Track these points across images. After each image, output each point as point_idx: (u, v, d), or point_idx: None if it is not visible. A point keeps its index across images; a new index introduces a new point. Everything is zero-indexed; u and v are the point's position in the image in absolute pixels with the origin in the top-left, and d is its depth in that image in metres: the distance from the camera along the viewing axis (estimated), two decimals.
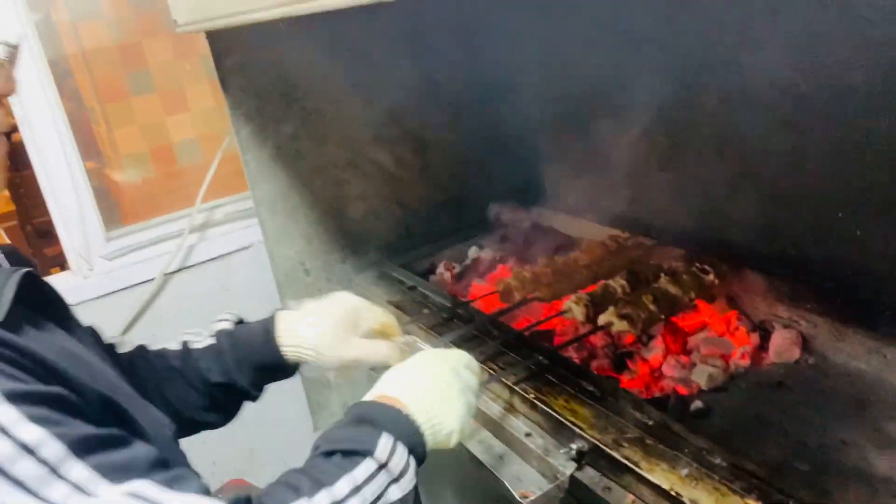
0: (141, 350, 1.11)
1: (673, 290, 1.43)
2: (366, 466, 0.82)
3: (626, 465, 1.01)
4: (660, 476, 0.97)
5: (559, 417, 1.13)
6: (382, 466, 0.83)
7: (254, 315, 1.29)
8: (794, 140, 1.34)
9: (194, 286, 1.96)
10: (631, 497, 1.00)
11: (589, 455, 1.07)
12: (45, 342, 0.74)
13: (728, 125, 1.47)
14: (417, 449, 0.88)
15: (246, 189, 2.03)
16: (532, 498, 1.05)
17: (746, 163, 1.47)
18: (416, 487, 0.87)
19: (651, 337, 1.46)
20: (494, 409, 1.26)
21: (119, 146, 2.02)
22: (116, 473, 0.66)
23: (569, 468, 1.07)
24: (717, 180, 1.53)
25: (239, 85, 1.65)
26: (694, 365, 1.36)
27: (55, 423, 0.65)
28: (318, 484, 0.79)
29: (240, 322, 1.17)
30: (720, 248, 1.52)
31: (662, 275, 1.47)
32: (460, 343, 1.39)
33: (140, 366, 1.07)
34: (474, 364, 1.03)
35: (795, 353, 1.35)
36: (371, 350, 1.10)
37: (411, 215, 1.97)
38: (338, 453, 0.83)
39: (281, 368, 1.12)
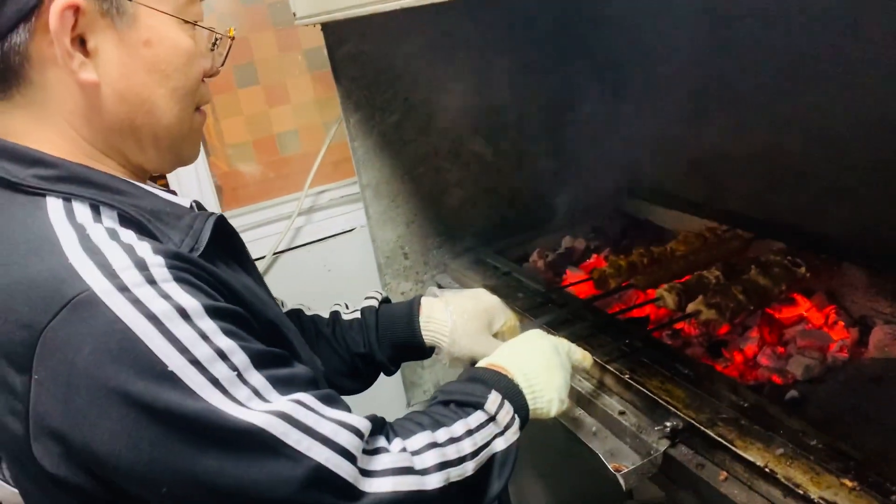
0: (298, 311, 1.24)
1: (762, 281, 1.44)
2: (477, 416, 0.93)
3: (720, 443, 1.04)
4: (754, 454, 0.99)
5: (654, 397, 1.16)
6: (491, 419, 0.94)
7: (354, 293, 1.40)
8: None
9: (301, 265, 2.08)
10: (724, 474, 1.03)
11: (683, 433, 1.11)
12: (230, 275, 0.85)
13: (831, 119, 1.47)
14: (521, 411, 0.99)
15: (348, 176, 2.15)
16: (625, 471, 1.09)
17: (850, 159, 1.46)
18: (518, 445, 0.96)
19: (747, 328, 1.46)
20: (587, 386, 1.30)
21: (225, 136, 2.14)
22: (283, 385, 0.76)
23: (662, 445, 1.11)
24: (820, 175, 1.52)
25: (350, 75, 1.75)
26: (790, 356, 1.36)
27: (241, 337, 0.75)
28: (438, 423, 0.90)
29: (385, 301, 1.31)
30: (822, 242, 1.51)
31: (753, 266, 1.48)
32: (554, 325, 1.44)
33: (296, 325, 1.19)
34: (575, 349, 1.17)
35: None
36: (493, 348, 1.17)
37: (506, 204, 2.03)
38: (453, 402, 0.95)
39: (417, 349, 1.24)
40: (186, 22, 0.85)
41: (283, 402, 0.74)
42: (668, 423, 1.11)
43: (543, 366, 1.05)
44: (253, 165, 2.15)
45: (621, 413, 1.20)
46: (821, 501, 0.89)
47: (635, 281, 1.53)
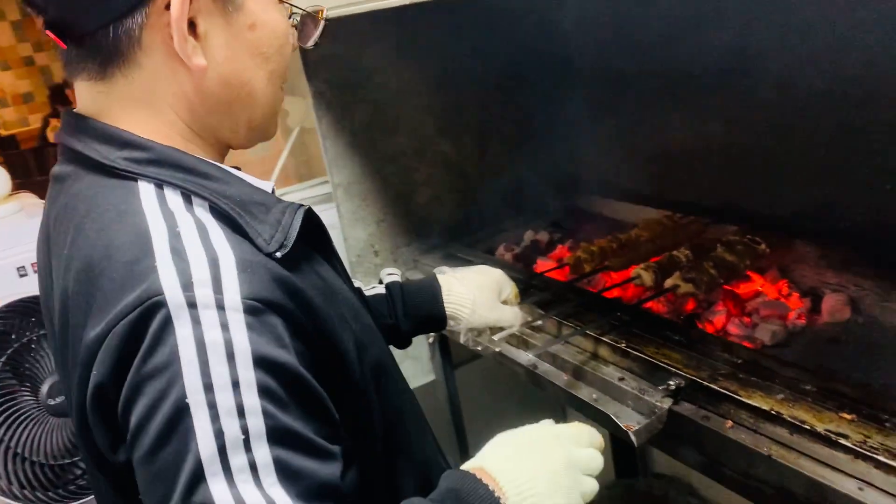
0: None
1: (729, 258, 1.58)
2: None
3: (723, 395, 1.14)
4: (758, 400, 1.10)
5: (653, 360, 1.26)
6: None
7: None
8: (839, 117, 1.50)
9: None
10: (730, 423, 1.13)
11: (685, 391, 1.21)
12: (312, 275, 0.83)
13: (775, 104, 1.63)
14: None
15: (311, 178, 2.18)
16: (636, 428, 1.18)
17: (793, 144, 1.62)
18: None
19: (712, 303, 1.60)
20: (580, 358, 1.39)
21: None
22: (286, 477, 0.68)
23: (666, 403, 1.20)
24: (766, 161, 1.68)
25: (322, 77, 1.79)
26: (756, 325, 1.50)
27: (275, 401, 0.69)
28: None
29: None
30: (772, 223, 1.67)
31: (719, 245, 1.62)
32: (541, 306, 1.52)
33: None
34: (597, 439, 0.91)
35: (846, 314, 1.49)
36: (505, 314, 1.30)
37: (470, 202, 2.11)
38: None
39: (438, 321, 1.29)
40: (282, 2, 0.87)
41: (260, 498, 0.66)
42: (671, 382, 1.21)
43: (547, 487, 0.81)
44: None
45: (620, 379, 1.29)
46: (827, 433, 1.00)
47: (610, 263, 1.64)
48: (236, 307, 0.69)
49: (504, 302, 1.35)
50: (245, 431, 0.67)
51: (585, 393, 1.32)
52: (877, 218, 1.50)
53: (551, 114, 2.11)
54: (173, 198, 0.77)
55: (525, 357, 1.42)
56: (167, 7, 0.75)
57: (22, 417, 1.63)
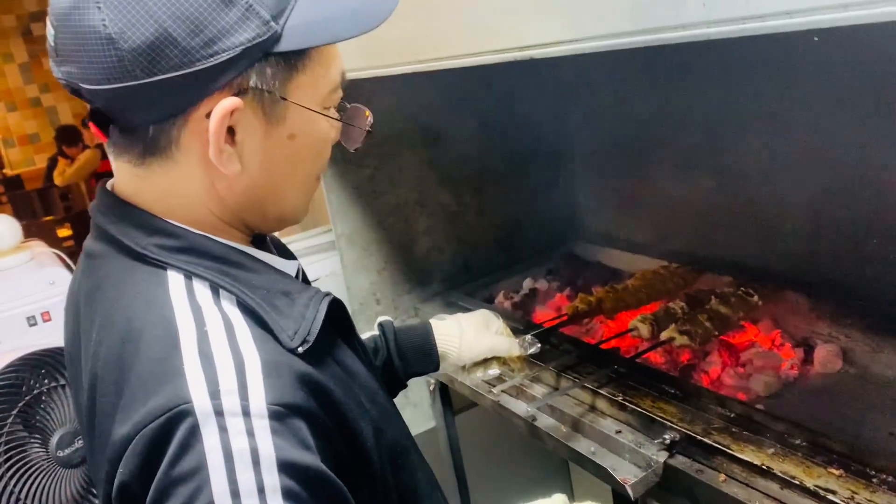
0: None
1: (723, 310, 1.62)
2: None
3: (716, 448, 1.18)
4: (750, 455, 1.14)
5: (649, 414, 1.30)
6: None
7: None
8: (826, 175, 1.56)
9: None
10: (723, 476, 1.16)
11: (679, 444, 1.24)
12: (333, 365, 0.84)
13: (764, 163, 1.69)
14: None
15: (314, 227, 2.23)
16: (632, 482, 1.21)
17: (783, 199, 1.68)
18: None
19: (707, 353, 1.63)
20: (579, 410, 1.42)
21: None
22: None
23: (661, 456, 1.23)
24: (757, 214, 1.74)
25: None
26: (750, 375, 1.54)
27: (301, 501, 0.70)
28: None
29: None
30: (764, 275, 1.72)
31: (713, 297, 1.66)
32: (538, 357, 1.56)
33: None
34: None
35: (838, 364, 1.53)
36: (498, 342, 1.32)
37: (469, 251, 2.16)
38: None
39: (430, 356, 1.31)
40: (328, 115, 0.86)
41: None
42: (666, 436, 1.24)
43: None
44: None
45: (618, 432, 1.32)
46: (816, 489, 1.04)
47: (606, 314, 1.68)
48: (261, 414, 0.70)
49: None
50: None
51: (584, 446, 1.35)
52: (864, 270, 1.54)
53: (549, 165, 2.17)
54: (202, 290, 0.78)
55: (524, 409, 1.45)
56: (207, 115, 0.76)
57: (32, 469, 1.65)
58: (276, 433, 0.70)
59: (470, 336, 1.30)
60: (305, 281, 0.97)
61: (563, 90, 2.10)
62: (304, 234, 2.23)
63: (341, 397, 0.80)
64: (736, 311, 1.59)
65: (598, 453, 1.33)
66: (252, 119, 0.79)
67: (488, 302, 2.04)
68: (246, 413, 0.70)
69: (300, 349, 0.77)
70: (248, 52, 0.74)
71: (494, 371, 1.35)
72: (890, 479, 1.04)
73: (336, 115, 0.88)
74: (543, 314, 1.87)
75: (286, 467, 0.70)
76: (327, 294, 0.86)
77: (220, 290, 0.79)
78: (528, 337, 1.37)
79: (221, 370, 0.72)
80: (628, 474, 1.24)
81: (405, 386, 1.34)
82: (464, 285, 2.09)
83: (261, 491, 0.68)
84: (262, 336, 0.77)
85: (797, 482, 1.06)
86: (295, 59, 0.79)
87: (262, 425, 0.70)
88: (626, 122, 1.97)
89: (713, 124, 1.74)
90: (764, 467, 1.11)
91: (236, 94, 0.76)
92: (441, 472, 2.14)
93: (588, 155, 2.16)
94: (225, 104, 0.74)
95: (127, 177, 0.84)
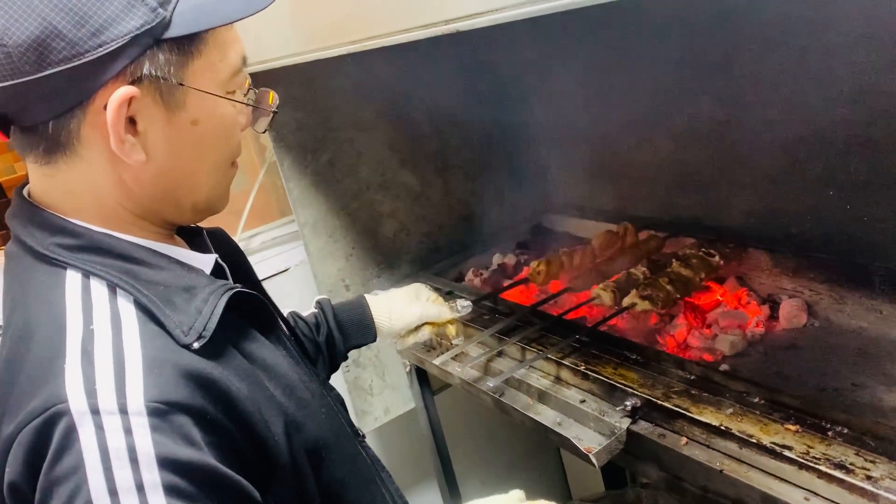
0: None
1: (685, 272, 1.61)
2: None
3: (677, 412, 1.18)
4: (709, 416, 1.14)
5: (611, 382, 1.29)
6: None
7: None
8: (783, 130, 1.55)
9: None
10: (684, 439, 1.16)
11: (641, 410, 1.24)
12: (237, 359, 0.82)
13: (722, 124, 1.67)
14: None
15: (277, 218, 2.21)
16: (596, 450, 1.21)
17: (742, 157, 1.66)
18: None
19: (673, 316, 1.63)
20: (544, 383, 1.42)
21: None
22: None
23: (624, 423, 1.23)
24: (717, 175, 1.73)
25: (281, 120, 1.82)
26: (716, 336, 1.53)
27: (186, 497, 0.70)
28: None
29: None
30: (727, 234, 1.71)
31: (674, 260, 1.66)
32: (505, 332, 1.56)
33: None
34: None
35: (803, 319, 1.53)
36: (428, 308, 1.40)
37: (437, 230, 2.14)
38: None
39: (369, 330, 1.37)
40: (230, 99, 0.85)
41: None
42: (627, 403, 1.24)
43: None
44: None
45: (582, 401, 1.32)
46: (773, 445, 1.03)
47: (572, 285, 1.67)
48: (139, 411, 0.70)
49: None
50: None
51: (549, 417, 1.35)
52: (826, 224, 1.53)
53: (512, 139, 2.15)
54: (98, 288, 0.78)
55: (489, 384, 1.45)
56: (105, 107, 0.75)
57: None
58: (156, 430, 0.70)
59: (400, 306, 1.37)
60: (222, 275, 0.95)
61: (519, 62, 2.08)
62: (269, 226, 2.21)
63: (243, 392, 0.79)
64: (698, 272, 1.58)
65: (563, 424, 1.33)
66: (152, 107, 0.78)
67: (458, 280, 2.03)
68: (123, 411, 0.69)
69: (195, 345, 0.76)
70: (137, 39, 0.74)
71: (424, 335, 1.41)
72: (845, 431, 1.04)
73: (239, 99, 0.87)
74: (512, 289, 1.86)
75: (167, 464, 0.69)
76: (231, 287, 0.85)
77: (118, 289, 0.78)
78: (460, 301, 1.44)
79: (100, 368, 0.71)
80: (592, 443, 1.24)
81: (346, 358, 1.39)
82: (433, 265, 2.08)
83: (139, 488, 0.68)
84: (154, 333, 0.76)
85: (754, 440, 1.06)
86: (188, 45, 0.78)
87: (141, 423, 0.69)
88: (585, 91, 1.95)
89: (668, 86, 1.72)
90: (722, 428, 1.11)
91: (132, 83, 0.75)
92: (424, 452, 2.15)
93: (550, 126, 2.14)
94: (119, 93, 0.74)
95: (35, 177, 0.83)
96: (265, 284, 2.08)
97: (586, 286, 1.68)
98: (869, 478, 0.94)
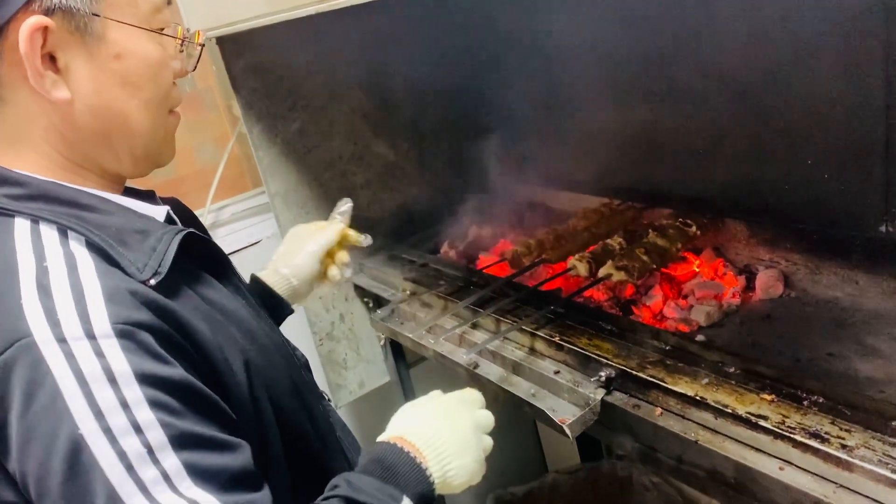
0: None
1: (661, 242, 1.59)
2: None
3: (651, 383, 1.16)
4: (684, 387, 1.12)
5: (586, 352, 1.27)
6: None
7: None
8: (759, 98, 1.52)
9: None
10: (659, 410, 1.14)
11: (616, 381, 1.22)
12: (194, 298, 0.83)
13: (698, 93, 1.65)
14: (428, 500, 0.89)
15: (247, 189, 2.16)
16: (570, 422, 1.19)
17: (718, 127, 1.64)
18: None
19: (650, 287, 1.61)
20: (519, 354, 1.40)
21: None
22: (200, 477, 0.71)
23: (599, 394, 1.21)
24: (694, 144, 1.70)
25: (249, 86, 1.77)
26: (692, 307, 1.52)
27: (170, 411, 0.71)
28: None
29: None
30: (704, 205, 1.69)
31: (651, 231, 1.64)
32: (480, 304, 1.53)
33: None
34: (488, 415, 1.02)
35: (779, 289, 1.52)
36: (321, 237, 1.32)
37: (411, 202, 2.11)
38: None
39: (282, 306, 1.28)
40: (153, 31, 0.85)
41: (180, 501, 0.69)
42: (601, 374, 1.22)
43: (460, 446, 0.93)
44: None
45: (556, 373, 1.30)
46: (748, 416, 1.02)
47: (547, 256, 1.65)
48: (107, 334, 0.70)
49: (334, 248, 1.36)
50: (147, 446, 0.69)
51: (524, 389, 1.33)
52: (800, 193, 1.52)
53: (487, 108, 2.11)
54: (49, 232, 0.77)
55: (464, 357, 1.42)
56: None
57: None
58: (127, 350, 0.70)
59: (294, 259, 1.29)
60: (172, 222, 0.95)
61: (496, 27, 2.03)
62: (239, 197, 2.16)
63: (201, 327, 0.79)
64: (674, 242, 1.56)
65: (538, 395, 1.31)
66: (69, 40, 0.77)
67: (433, 253, 2.00)
68: (91, 336, 0.70)
69: (151, 281, 0.76)
70: None
71: (336, 271, 1.32)
72: (821, 400, 1.02)
73: (158, 31, 0.86)
74: (488, 260, 1.84)
75: (146, 379, 0.70)
76: (183, 229, 0.85)
77: (69, 232, 0.77)
78: (338, 208, 1.39)
79: (59, 300, 0.71)
80: (566, 414, 1.22)
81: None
82: (408, 238, 2.04)
83: (125, 405, 0.68)
84: (109, 270, 0.76)
85: (730, 410, 1.04)
86: None
87: (111, 344, 0.70)
88: (560, 59, 1.91)
89: (645, 53, 1.68)
90: (698, 398, 1.09)
91: (44, 14, 0.74)
92: None
93: (527, 96, 2.10)
94: (29, 23, 0.73)
95: None
96: (235, 258, 2.06)
97: (561, 257, 1.66)
98: (844, 447, 0.93)
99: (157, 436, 0.69)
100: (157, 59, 0.85)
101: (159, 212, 0.91)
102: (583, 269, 1.55)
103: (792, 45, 1.41)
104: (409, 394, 2.09)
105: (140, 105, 0.84)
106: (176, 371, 0.73)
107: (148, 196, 0.97)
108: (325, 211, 1.94)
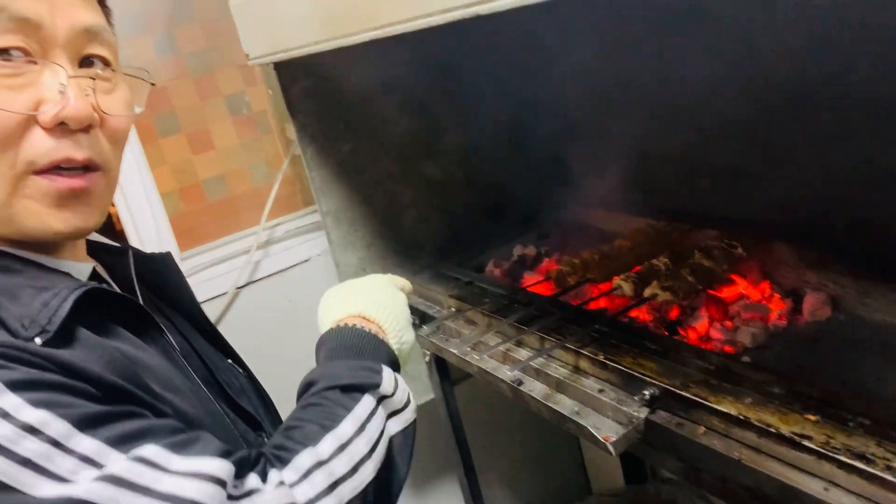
0: None
1: (707, 263, 1.60)
2: (367, 402, 0.82)
3: (695, 402, 1.16)
4: (727, 406, 1.12)
5: (630, 371, 1.29)
6: (384, 398, 0.85)
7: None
8: (810, 120, 1.52)
9: (262, 298, 2.13)
10: (702, 429, 1.15)
11: (660, 400, 1.23)
12: (99, 350, 0.73)
13: (743, 114, 1.65)
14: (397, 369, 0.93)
15: (298, 208, 2.24)
16: (613, 439, 1.21)
17: (764, 148, 1.65)
18: (414, 418, 0.93)
19: (695, 308, 1.62)
20: (563, 372, 1.42)
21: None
22: (128, 442, 0.64)
23: (643, 412, 1.23)
24: (741, 166, 1.71)
25: (304, 110, 1.84)
26: (737, 328, 1.52)
27: (60, 404, 0.64)
28: (322, 429, 0.78)
29: None
30: (751, 226, 1.69)
31: (697, 251, 1.64)
32: (524, 322, 1.56)
33: None
34: (398, 278, 1.16)
35: (827, 312, 1.51)
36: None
37: (457, 221, 2.15)
38: (338, 388, 0.83)
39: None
40: None
41: (119, 464, 0.62)
42: (646, 392, 1.23)
43: (406, 317, 1.03)
44: (180, 211, 2.15)
45: (600, 391, 1.32)
46: (791, 435, 1.02)
47: (591, 275, 1.66)
48: None
49: None
50: (52, 441, 0.62)
51: (568, 406, 1.35)
52: (851, 216, 1.51)
53: (536, 128, 2.14)
54: None
55: (508, 373, 1.44)
56: None
57: None
58: None
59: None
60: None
61: (544, 50, 2.07)
62: (292, 216, 2.23)
63: (96, 368, 0.69)
64: (720, 264, 1.57)
65: (581, 413, 1.32)
66: None
67: (478, 271, 2.03)
68: None
69: (37, 339, 0.68)
70: None
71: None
72: (867, 422, 1.02)
73: None
74: (532, 279, 1.86)
75: (19, 385, 0.63)
76: (87, 285, 0.76)
77: None
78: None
79: None
80: (610, 432, 1.23)
81: None
82: (453, 256, 2.08)
83: (5, 416, 0.61)
84: None
85: (773, 430, 1.05)
86: None
87: None
88: (610, 80, 1.93)
89: (691, 76, 1.70)
90: (741, 417, 1.09)
91: None
92: (443, 442, 2.16)
93: (574, 115, 2.13)
94: None
95: None
96: (286, 274, 2.12)
97: (606, 277, 1.67)
98: (890, 468, 0.92)
99: (58, 427, 0.62)
100: None
101: (82, 268, 0.85)
102: (628, 288, 1.57)
103: (842, 67, 1.41)
104: (452, 411, 2.11)
105: None
106: (44, 373, 0.65)
107: (118, 253, 0.96)
108: (373, 229, 2.00)
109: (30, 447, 0.60)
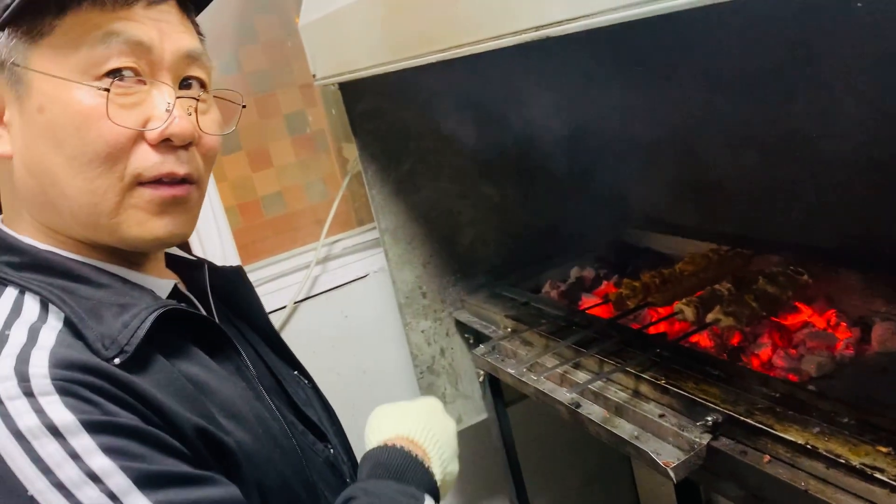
0: None
1: (771, 289, 1.57)
2: None
3: (760, 429, 1.14)
4: (794, 435, 1.10)
5: (692, 397, 1.27)
6: None
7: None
8: (878, 146, 1.49)
9: (319, 312, 2.16)
10: (767, 457, 1.13)
11: (723, 426, 1.21)
12: (167, 374, 0.76)
13: (812, 140, 1.63)
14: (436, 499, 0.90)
15: (352, 226, 2.27)
16: (674, 465, 1.19)
17: (832, 175, 1.61)
18: None
19: (758, 335, 1.59)
20: (622, 396, 1.40)
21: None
22: None
23: (704, 439, 1.21)
24: (806, 192, 1.68)
25: (367, 129, 1.87)
26: (802, 356, 1.49)
27: (129, 456, 0.66)
28: None
29: None
30: (817, 253, 1.66)
31: (760, 277, 1.61)
32: (582, 344, 1.55)
33: None
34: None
35: None
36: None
37: (514, 241, 2.15)
38: None
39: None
40: (84, 84, 0.76)
41: None
42: (708, 418, 1.21)
43: (450, 441, 1.01)
44: (240, 226, 2.19)
45: (661, 416, 1.30)
46: (862, 467, 0.99)
47: (653, 299, 1.65)
48: (47, 391, 0.66)
49: None
50: (110, 494, 0.64)
51: (627, 431, 1.33)
52: None
53: (595, 150, 2.14)
54: (30, 303, 0.76)
55: (566, 395, 1.44)
56: None
57: None
58: (69, 404, 0.66)
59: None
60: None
61: (605, 71, 2.07)
62: (351, 233, 2.26)
63: (166, 400, 0.73)
64: (784, 290, 1.54)
65: (641, 437, 1.31)
66: (10, 94, 0.77)
67: (535, 291, 2.03)
68: (29, 394, 0.66)
69: (116, 360, 0.72)
70: None
71: None
72: None
73: (95, 84, 0.76)
74: (590, 301, 1.85)
75: (95, 427, 0.66)
76: (166, 305, 0.80)
77: (50, 304, 0.76)
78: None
79: (2, 365, 0.68)
80: (671, 457, 1.21)
81: None
82: (509, 276, 2.08)
83: (74, 457, 0.64)
84: (72, 343, 0.72)
85: (843, 461, 1.02)
86: (29, 25, 0.75)
87: (51, 400, 0.66)
88: (670, 102, 1.93)
89: (758, 98, 1.68)
90: (808, 447, 1.07)
91: None
92: (494, 464, 2.15)
93: (634, 138, 2.12)
94: None
95: None
96: (344, 289, 2.15)
97: (667, 301, 1.66)
98: None
99: (118, 481, 0.64)
100: (80, 111, 0.75)
101: (163, 285, 0.88)
102: (690, 313, 1.55)
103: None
104: (505, 432, 2.11)
105: (64, 163, 0.76)
106: (130, 418, 0.68)
107: (194, 267, 0.99)
108: (430, 247, 2.02)
109: (89, 494, 0.63)
